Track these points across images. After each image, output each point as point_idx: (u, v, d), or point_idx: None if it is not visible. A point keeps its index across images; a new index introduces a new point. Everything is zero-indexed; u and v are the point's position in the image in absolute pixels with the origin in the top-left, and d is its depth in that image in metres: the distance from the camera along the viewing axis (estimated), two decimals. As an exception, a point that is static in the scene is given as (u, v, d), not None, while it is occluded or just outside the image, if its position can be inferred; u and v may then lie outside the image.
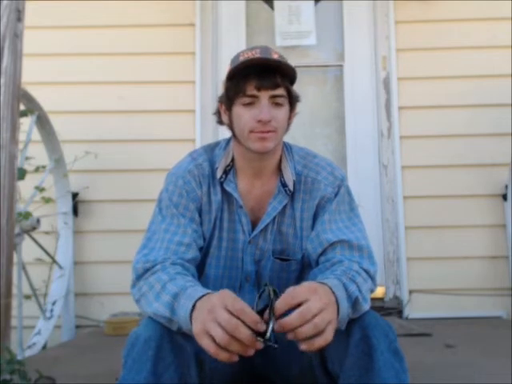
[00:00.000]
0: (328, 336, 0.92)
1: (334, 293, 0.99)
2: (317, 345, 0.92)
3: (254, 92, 1.19)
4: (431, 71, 2.97)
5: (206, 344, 0.91)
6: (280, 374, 1.28)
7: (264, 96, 1.19)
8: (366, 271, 1.17)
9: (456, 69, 2.96)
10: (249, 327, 0.88)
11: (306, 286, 0.96)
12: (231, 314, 0.89)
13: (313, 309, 0.91)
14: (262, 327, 0.88)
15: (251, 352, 0.89)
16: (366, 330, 1.04)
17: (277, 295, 0.93)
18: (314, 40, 3.07)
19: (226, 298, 0.93)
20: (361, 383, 1.02)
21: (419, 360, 1.86)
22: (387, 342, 1.04)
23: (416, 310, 2.83)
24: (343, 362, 1.05)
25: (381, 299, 2.88)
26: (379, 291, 2.88)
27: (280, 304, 0.92)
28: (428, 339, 2.27)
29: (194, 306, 0.98)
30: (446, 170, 2.92)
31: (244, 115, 1.21)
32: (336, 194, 1.28)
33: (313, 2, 3.09)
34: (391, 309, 2.82)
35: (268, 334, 0.88)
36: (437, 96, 2.95)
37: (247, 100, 1.20)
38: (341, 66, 3.13)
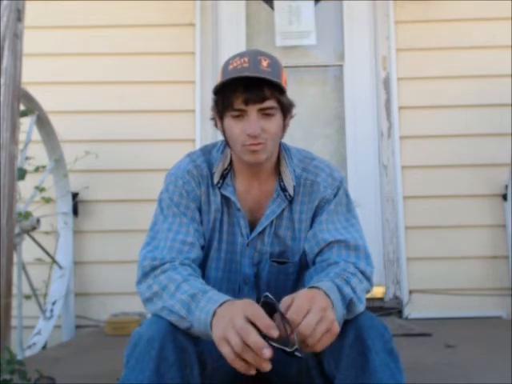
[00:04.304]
0: (322, 344, 0.93)
1: (328, 296, 0.99)
2: (309, 349, 0.93)
3: (242, 106, 1.18)
4: (431, 71, 2.97)
5: (224, 351, 0.91)
6: (279, 374, 1.28)
7: (252, 110, 1.18)
8: (362, 272, 1.17)
9: (456, 69, 2.96)
10: (263, 336, 0.88)
11: (304, 296, 0.96)
12: (248, 320, 0.90)
13: (311, 323, 0.92)
14: (275, 333, 0.88)
15: (266, 365, 0.88)
16: (361, 330, 1.04)
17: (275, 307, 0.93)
18: (314, 40, 3.07)
19: (247, 306, 0.93)
20: (357, 383, 1.02)
21: (419, 360, 1.86)
22: (382, 342, 1.04)
23: (416, 309, 2.83)
24: (339, 363, 1.05)
25: (381, 299, 2.87)
26: (379, 291, 2.87)
27: (291, 316, 0.93)
28: (428, 339, 2.27)
29: (214, 312, 0.98)
30: (445, 169, 2.92)
31: (234, 128, 1.21)
32: (335, 196, 1.29)
33: (313, 2, 3.09)
34: (391, 309, 2.82)
35: (293, 347, 0.89)
36: (437, 96, 2.95)
37: (236, 113, 1.19)
38: (341, 65, 3.13)
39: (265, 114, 1.19)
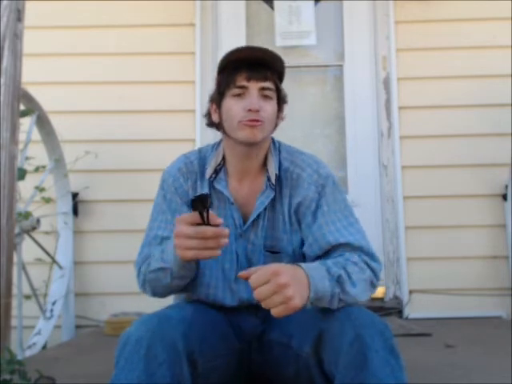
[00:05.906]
0: (278, 311, 1.00)
1: (305, 272, 1.07)
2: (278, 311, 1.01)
3: (244, 83, 1.25)
4: (431, 71, 2.97)
5: (191, 255, 1.06)
6: (276, 373, 1.28)
7: (253, 87, 1.25)
8: (367, 263, 1.20)
9: (456, 69, 2.96)
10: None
11: (268, 270, 1.03)
12: (190, 223, 1.05)
13: (264, 292, 1.00)
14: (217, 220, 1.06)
15: (224, 241, 1.05)
16: (360, 328, 1.04)
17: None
18: (314, 40, 3.07)
19: (182, 218, 1.08)
20: (356, 383, 1.01)
21: (419, 360, 1.86)
22: (382, 340, 1.03)
23: (416, 309, 2.83)
24: (338, 362, 1.05)
25: (381, 299, 2.87)
26: (379, 291, 2.87)
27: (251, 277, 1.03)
28: (428, 339, 2.27)
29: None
30: (446, 169, 2.92)
31: (234, 106, 1.26)
32: (320, 193, 1.30)
33: (313, 2, 3.09)
34: (391, 309, 2.82)
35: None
36: (437, 96, 2.95)
37: (237, 91, 1.26)
38: (341, 65, 3.13)
39: (264, 95, 1.27)
